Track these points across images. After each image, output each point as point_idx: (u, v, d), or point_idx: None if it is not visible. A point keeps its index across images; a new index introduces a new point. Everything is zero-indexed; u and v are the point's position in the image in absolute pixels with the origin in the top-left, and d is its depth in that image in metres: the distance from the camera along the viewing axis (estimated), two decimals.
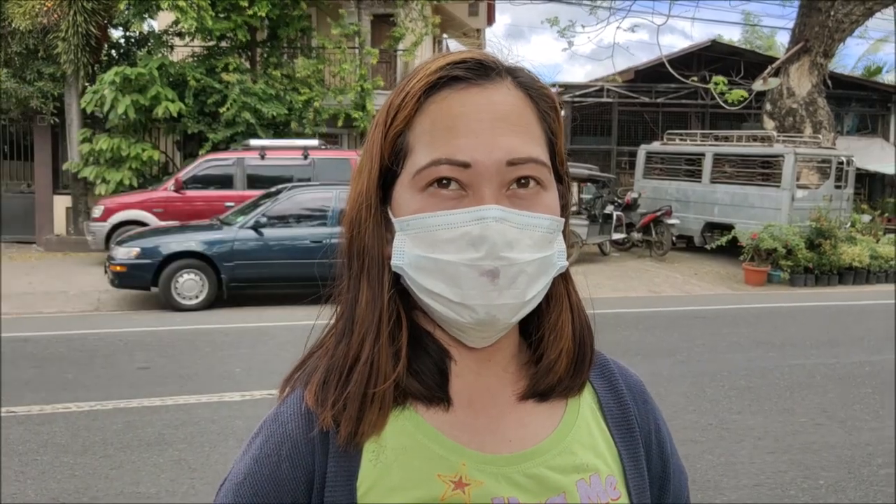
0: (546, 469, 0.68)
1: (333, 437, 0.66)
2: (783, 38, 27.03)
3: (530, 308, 0.68)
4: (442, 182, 0.64)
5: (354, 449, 0.66)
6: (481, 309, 0.64)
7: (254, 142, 11.83)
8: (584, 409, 0.74)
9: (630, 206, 13.96)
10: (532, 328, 0.74)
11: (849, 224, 13.40)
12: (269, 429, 0.69)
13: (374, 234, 0.68)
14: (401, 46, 14.70)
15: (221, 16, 12.91)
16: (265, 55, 14.17)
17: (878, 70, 24.58)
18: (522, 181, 0.66)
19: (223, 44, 13.85)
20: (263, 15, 12.87)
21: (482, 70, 0.67)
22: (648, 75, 18.16)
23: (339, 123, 13.82)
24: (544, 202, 0.67)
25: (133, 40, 14.65)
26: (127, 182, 12.62)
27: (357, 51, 14.26)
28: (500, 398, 0.71)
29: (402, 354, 0.67)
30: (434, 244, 0.64)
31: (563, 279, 0.73)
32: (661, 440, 0.79)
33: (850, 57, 43.40)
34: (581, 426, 0.73)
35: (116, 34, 14.77)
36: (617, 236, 13.61)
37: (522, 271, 0.65)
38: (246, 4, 12.67)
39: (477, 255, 0.63)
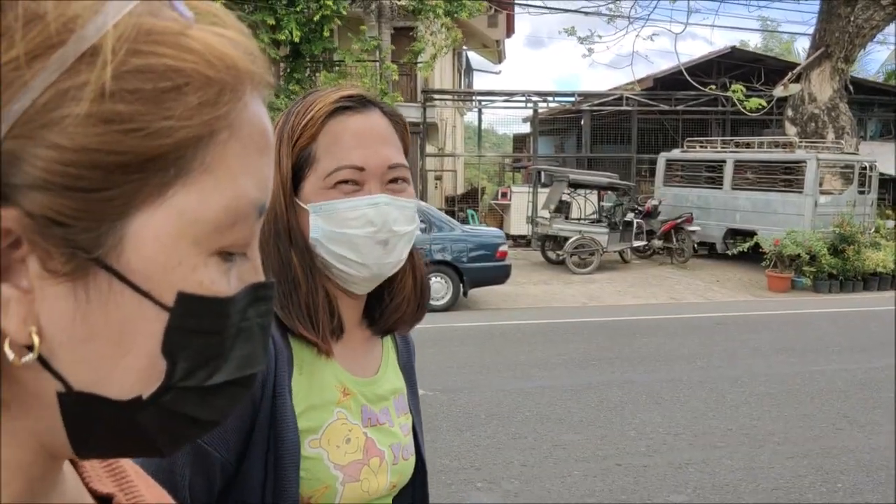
0: (380, 389, 0.98)
1: (280, 352, 0.87)
2: (802, 44, 26.84)
3: (402, 263, 0.94)
4: (344, 181, 0.87)
5: (292, 363, 0.88)
6: (375, 267, 0.90)
7: None
8: (390, 351, 1.04)
9: (650, 214, 13.97)
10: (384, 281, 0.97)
11: (873, 229, 13.28)
12: None
13: (294, 217, 0.89)
14: (421, 59, 14.89)
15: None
16: (288, 70, 14.43)
17: None
18: (396, 179, 0.91)
19: None
20: (297, 40, 13.17)
21: (363, 102, 0.90)
22: (668, 83, 18.15)
23: None
24: (409, 192, 0.93)
25: None
26: None
27: (377, 65, 14.46)
28: (357, 333, 0.98)
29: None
30: (342, 222, 0.87)
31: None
32: (414, 380, 1.10)
33: (874, 62, 42.85)
34: (391, 362, 1.03)
35: None
36: (637, 244, 13.62)
37: (401, 239, 0.91)
38: (273, 23, 12.94)
39: (374, 229, 0.88)
